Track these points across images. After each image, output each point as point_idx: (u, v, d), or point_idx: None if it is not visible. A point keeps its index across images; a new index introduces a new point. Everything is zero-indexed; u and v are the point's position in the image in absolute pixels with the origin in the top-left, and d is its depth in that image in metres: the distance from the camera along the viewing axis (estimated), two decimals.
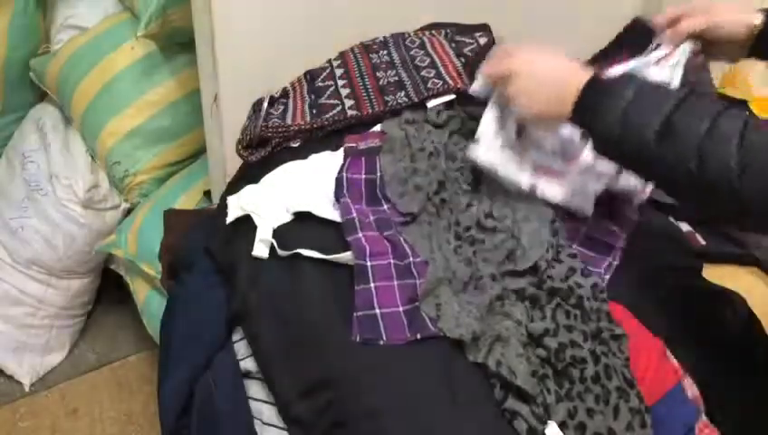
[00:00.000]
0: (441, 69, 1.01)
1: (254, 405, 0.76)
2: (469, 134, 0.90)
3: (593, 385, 0.70)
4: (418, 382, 0.69)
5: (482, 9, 1.15)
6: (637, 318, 0.78)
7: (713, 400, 0.75)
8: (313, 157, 0.91)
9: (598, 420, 0.68)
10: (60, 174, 1.49)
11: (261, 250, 0.81)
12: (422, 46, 1.06)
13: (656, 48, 0.88)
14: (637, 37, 0.98)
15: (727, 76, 1.37)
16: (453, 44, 1.08)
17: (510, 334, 0.72)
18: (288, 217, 0.83)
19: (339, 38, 1.07)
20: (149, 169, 1.48)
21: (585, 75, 0.74)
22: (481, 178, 0.88)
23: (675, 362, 0.76)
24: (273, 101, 1.02)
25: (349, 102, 0.98)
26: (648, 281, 0.82)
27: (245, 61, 1.09)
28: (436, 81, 0.99)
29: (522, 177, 0.84)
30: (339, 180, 0.87)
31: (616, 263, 0.84)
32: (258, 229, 0.81)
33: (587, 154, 0.83)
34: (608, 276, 0.82)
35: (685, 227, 0.94)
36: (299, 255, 0.78)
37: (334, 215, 0.83)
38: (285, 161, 0.92)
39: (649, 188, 0.88)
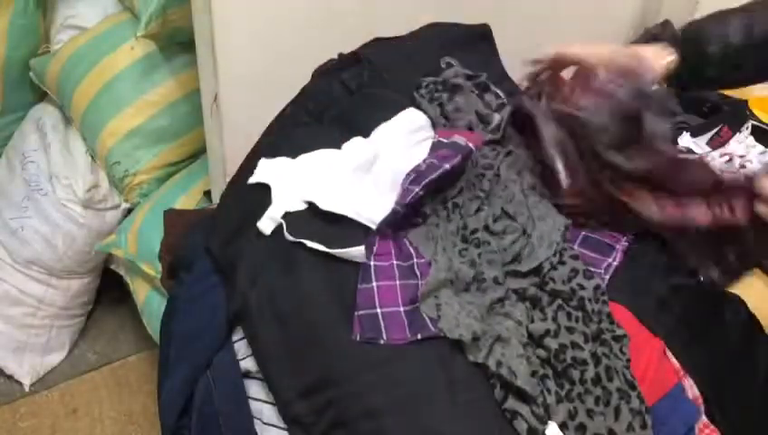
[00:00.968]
0: None
1: (254, 405, 0.76)
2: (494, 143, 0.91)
3: (594, 387, 0.70)
4: (418, 382, 0.69)
5: (482, 9, 1.15)
6: (637, 318, 0.78)
7: (713, 400, 0.75)
8: (345, 146, 0.90)
9: (598, 421, 0.68)
10: (60, 174, 1.49)
11: (266, 226, 0.80)
12: None
13: None
14: None
15: None
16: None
17: (510, 335, 0.72)
18: (302, 205, 0.83)
19: (339, 38, 1.07)
20: (149, 169, 1.48)
21: None
22: (496, 183, 0.88)
23: (675, 362, 0.76)
24: None
25: None
26: (648, 281, 0.82)
27: (245, 61, 1.09)
28: None
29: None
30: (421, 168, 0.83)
31: (615, 263, 0.84)
32: (271, 205, 0.81)
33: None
34: (608, 277, 0.82)
35: None
36: (300, 254, 0.78)
37: (343, 210, 0.82)
38: (308, 140, 0.91)
39: None
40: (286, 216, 0.81)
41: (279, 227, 0.80)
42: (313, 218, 0.81)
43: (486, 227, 0.82)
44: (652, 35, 0.91)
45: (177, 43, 1.41)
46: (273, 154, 0.90)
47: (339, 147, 0.90)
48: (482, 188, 0.86)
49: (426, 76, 0.98)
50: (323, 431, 0.69)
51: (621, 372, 0.72)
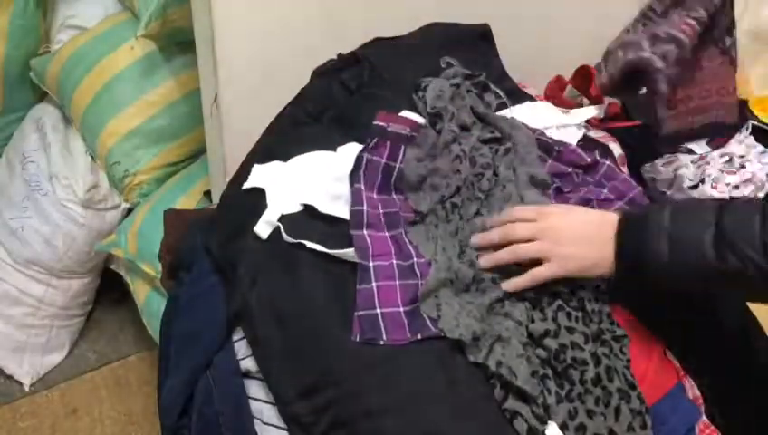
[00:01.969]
0: None
1: (254, 405, 0.76)
2: (493, 142, 0.91)
3: (594, 387, 0.70)
4: (418, 382, 0.69)
5: (482, 9, 1.15)
6: (637, 319, 0.78)
7: (713, 400, 0.75)
8: (341, 150, 0.90)
9: (598, 421, 0.68)
10: (60, 174, 1.49)
11: (263, 230, 0.81)
12: None
13: None
14: None
15: None
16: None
17: (510, 335, 0.72)
18: (298, 207, 0.83)
19: (339, 38, 1.07)
20: (149, 169, 1.48)
21: (613, 218, 0.72)
22: (495, 183, 0.88)
23: (675, 362, 0.76)
24: None
25: None
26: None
27: (245, 61, 1.09)
28: None
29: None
30: (359, 159, 0.86)
31: None
32: (267, 209, 0.81)
33: None
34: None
35: None
36: (299, 255, 0.78)
37: (339, 212, 0.83)
38: (306, 141, 0.91)
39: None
40: (283, 218, 0.81)
41: (277, 228, 0.80)
42: (311, 220, 0.81)
43: (484, 229, 0.82)
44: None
45: (177, 43, 1.41)
46: (272, 155, 0.90)
47: (335, 149, 0.90)
48: (480, 188, 0.86)
49: (426, 76, 0.98)
50: (323, 431, 0.69)
51: (622, 372, 0.72)
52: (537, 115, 1.01)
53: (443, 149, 0.88)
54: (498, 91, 1.00)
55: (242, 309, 0.79)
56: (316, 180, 0.85)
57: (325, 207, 0.82)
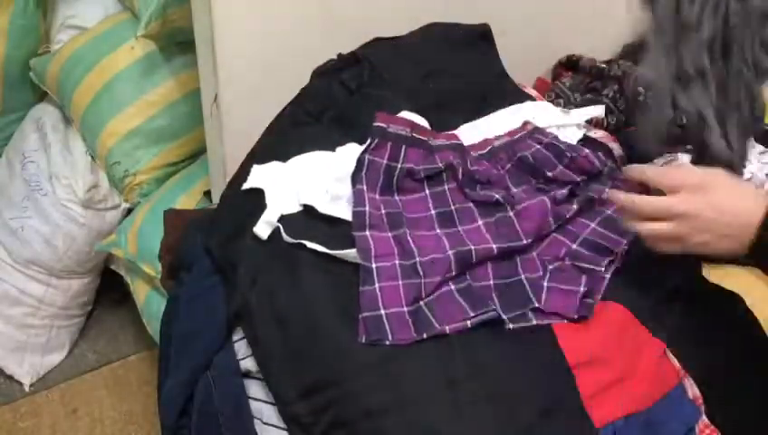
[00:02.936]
0: None
1: (254, 405, 0.76)
2: None
3: None
4: (418, 382, 0.69)
5: (482, 9, 1.15)
6: (637, 318, 0.78)
7: (713, 400, 0.75)
8: (340, 150, 0.90)
9: None
10: (60, 174, 1.49)
11: (262, 230, 0.81)
12: None
13: None
14: None
15: None
16: None
17: None
18: (297, 207, 0.83)
19: (339, 38, 1.07)
20: (149, 169, 1.48)
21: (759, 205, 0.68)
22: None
23: (675, 362, 0.76)
24: None
25: None
26: (648, 281, 0.82)
27: (245, 61, 1.09)
28: None
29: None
30: (360, 160, 0.86)
31: (616, 264, 0.84)
32: (266, 210, 0.81)
33: None
34: (608, 275, 0.82)
35: None
36: (300, 255, 0.78)
37: (340, 213, 0.83)
38: (306, 141, 0.91)
39: None
40: (283, 218, 0.81)
41: (277, 229, 0.80)
42: (311, 220, 0.81)
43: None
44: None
45: (177, 43, 1.41)
46: (271, 155, 0.90)
47: (335, 149, 0.90)
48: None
49: (426, 76, 0.98)
50: (323, 431, 0.69)
51: None
52: (538, 115, 1.01)
53: None
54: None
55: (242, 309, 0.79)
56: (316, 181, 0.85)
57: (325, 207, 0.82)
